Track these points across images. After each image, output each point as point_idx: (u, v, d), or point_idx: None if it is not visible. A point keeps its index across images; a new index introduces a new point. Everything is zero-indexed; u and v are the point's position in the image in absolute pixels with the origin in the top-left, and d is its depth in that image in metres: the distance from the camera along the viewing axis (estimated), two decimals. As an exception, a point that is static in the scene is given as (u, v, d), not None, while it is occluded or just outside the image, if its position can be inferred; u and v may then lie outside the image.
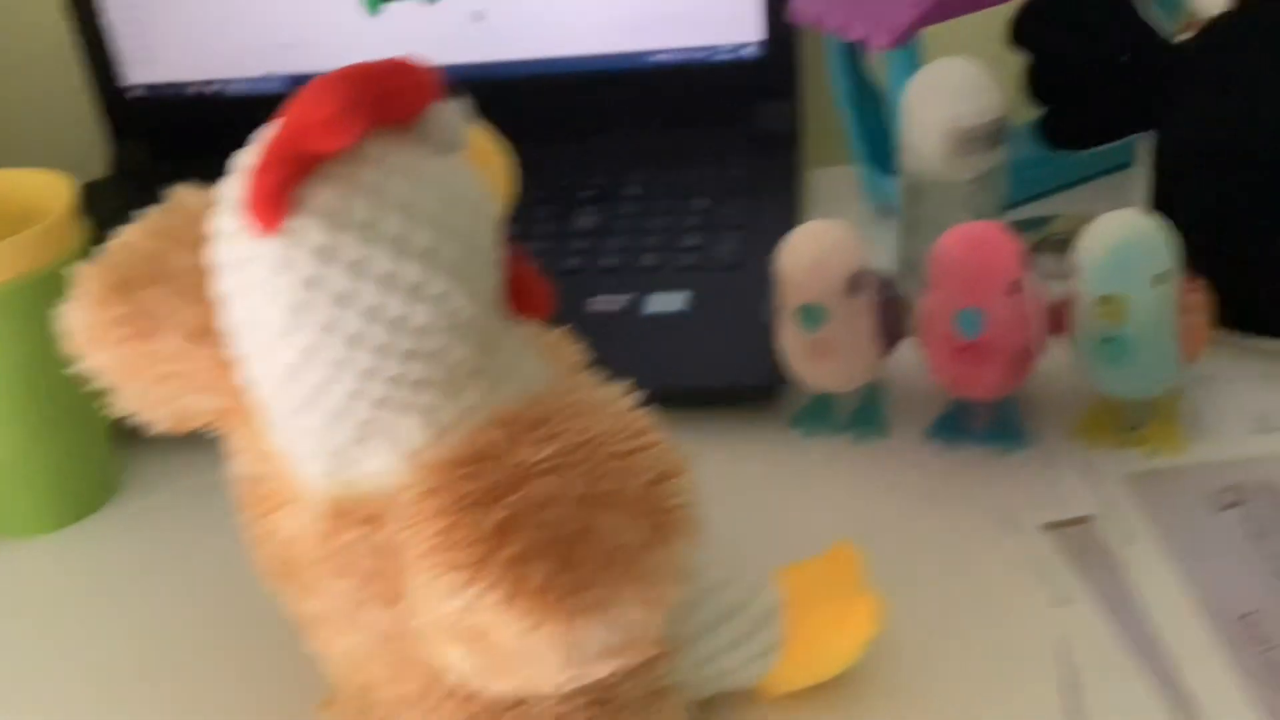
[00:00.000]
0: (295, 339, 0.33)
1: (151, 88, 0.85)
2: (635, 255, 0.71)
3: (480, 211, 0.36)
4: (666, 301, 0.67)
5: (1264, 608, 0.47)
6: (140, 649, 0.52)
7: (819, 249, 0.53)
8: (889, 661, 0.47)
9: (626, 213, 0.75)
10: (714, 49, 0.82)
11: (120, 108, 0.86)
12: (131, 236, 0.39)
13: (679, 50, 0.82)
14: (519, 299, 0.39)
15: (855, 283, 0.53)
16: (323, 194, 0.33)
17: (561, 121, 0.83)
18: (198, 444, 0.43)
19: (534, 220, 0.75)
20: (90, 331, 0.39)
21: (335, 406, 0.35)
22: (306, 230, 0.33)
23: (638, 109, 0.82)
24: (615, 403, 0.37)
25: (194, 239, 0.37)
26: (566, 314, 0.67)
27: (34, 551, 0.58)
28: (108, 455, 0.60)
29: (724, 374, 0.61)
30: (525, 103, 0.83)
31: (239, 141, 0.36)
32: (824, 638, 0.45)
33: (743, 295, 0.64)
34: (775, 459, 0.59)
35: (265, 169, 0.32)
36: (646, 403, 0.60)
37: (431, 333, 0.34)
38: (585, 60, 0.82)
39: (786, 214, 0.74)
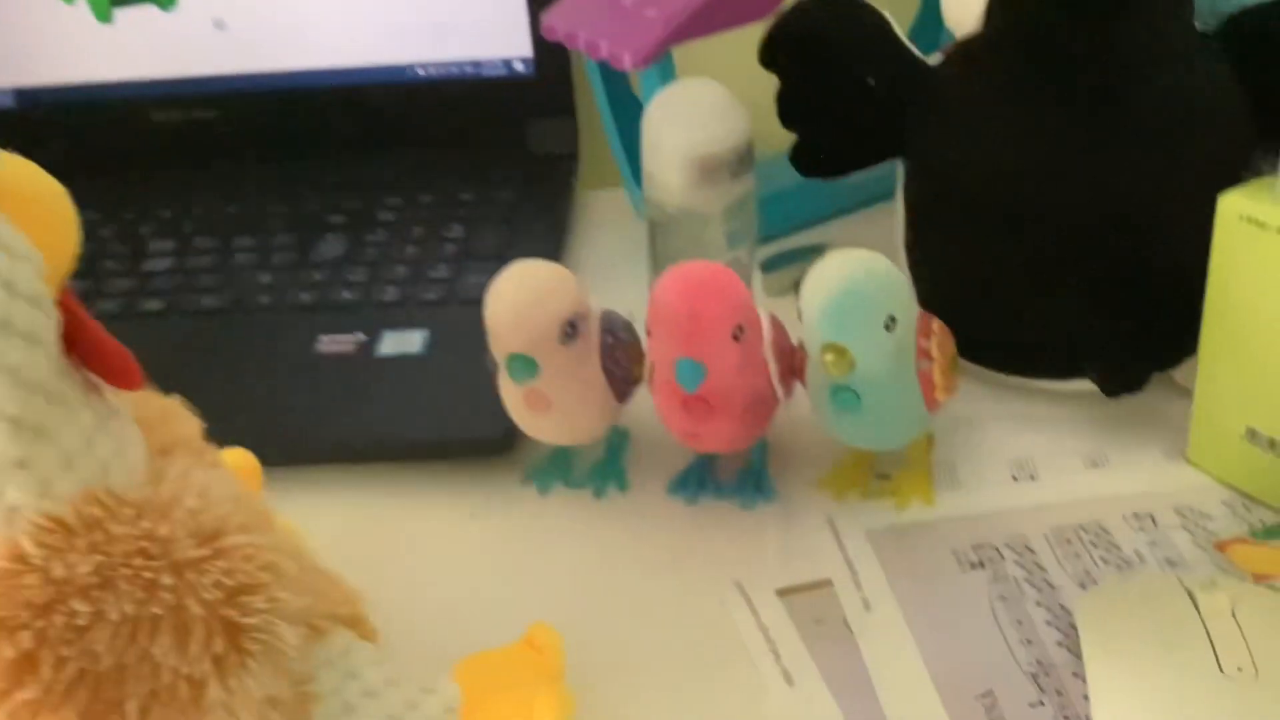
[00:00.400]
0: None
1: None
2: (377, 289, 0.65)
3: (14, 269, 0.30)
4: (402, 342, 0.61)
5: (1001, 687, 0.44)
6: None
7: (526, 293, 0.47)
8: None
9: (376, 241, 0.69)
10: (483, 63, 0.76)
11: None
12: None
13: (444, 64, 0.76)
14: (97, 366, 0.33)
15: (571, 329, 0.48)
16: None
17: (314, 139, 0.77)
18: None
19: (273, 249, 0.69)
20: None
21: None
22: None
23: (400, 127, 0.77)
24: (206, 494, 0.32)
25: None
26: (295, 355, 0.62)
27: None
28: None
29: (456, 424, 0.56)
30: (273, 119, 0.77)
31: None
32: (505, 739, 0.40)
33: (484, 335, 0.59)
34: (506, 518, 0.54)
35: None
36: (372, 455, 0.56)
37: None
38: (340, 73, 0.76)
39: (551, 243, 0.69)
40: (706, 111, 0.55)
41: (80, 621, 0.28)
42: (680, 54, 0.63)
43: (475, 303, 0.63)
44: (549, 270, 0.48)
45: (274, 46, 0.76)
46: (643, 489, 0.54)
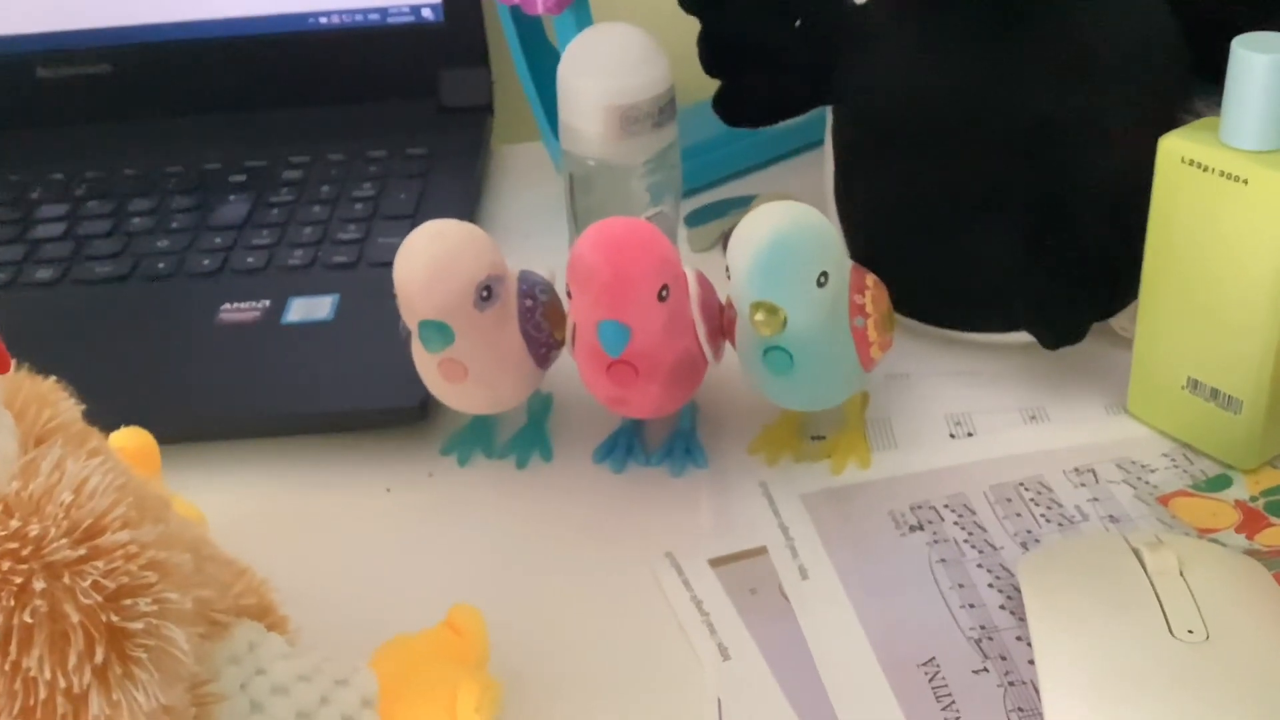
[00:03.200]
0: None
1: None
2: (282, 252, 0.62)
3: None
4: (310, 308, 0.58)
5: (944, 654, 0.42)
6: None
7: (438, 256, 0.44)
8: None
9: (280, 202, 0.66)
10: (387, 10, 0.73)
11: None
12: None
13: (348, 11, 0.72)
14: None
15: (487, 292, 0.45)
16: None
17: (213, 95, 0.73)
18: None
19: (171, 212, 0.66)
20: None
21: None
22: None
23: (303, 80, 0.73)
24: (84, 487, 0.29)
25: None
26: (196, 324, 0.59)
27: None
28: None
29: (369, 394, 0.53)
30: (169, 73, 0.73)
31: None
32: (427, 731, 0.37)
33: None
34: (423, 491, 0.51)
35: None
36: (278, 428, 0.53)
37: None
38: (238, 22, 0.72)
39: (467, 199, 0.66)
40: (625, 57, 0.52)
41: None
42: (596, -1, 0.60)
43: (387, 265, 0.60)
44: (462, 230, 0.46)
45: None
46: (568, 458, 0.52)
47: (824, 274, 0.43)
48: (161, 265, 0.61)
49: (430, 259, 0.44)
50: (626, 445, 0.51)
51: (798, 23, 0.53)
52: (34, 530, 0.27)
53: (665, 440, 0.51)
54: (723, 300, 0.49)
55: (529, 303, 0.48)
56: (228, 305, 0.58)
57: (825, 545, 0.46)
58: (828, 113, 0.55)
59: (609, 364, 0.46)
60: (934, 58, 0.50)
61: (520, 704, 0.41)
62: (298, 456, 0.52)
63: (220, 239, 0.63)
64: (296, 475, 0.52)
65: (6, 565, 0.26)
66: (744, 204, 0.65)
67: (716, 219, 0.64)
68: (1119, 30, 0.49)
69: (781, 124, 0.60)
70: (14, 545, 0.26)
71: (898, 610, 0.44)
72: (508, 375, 0.48)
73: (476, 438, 0.52)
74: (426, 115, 0.73)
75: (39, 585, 0.26)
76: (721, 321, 0.48)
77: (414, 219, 0.63)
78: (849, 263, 0.47)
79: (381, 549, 0.48)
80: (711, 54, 0.53)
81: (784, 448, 0.50)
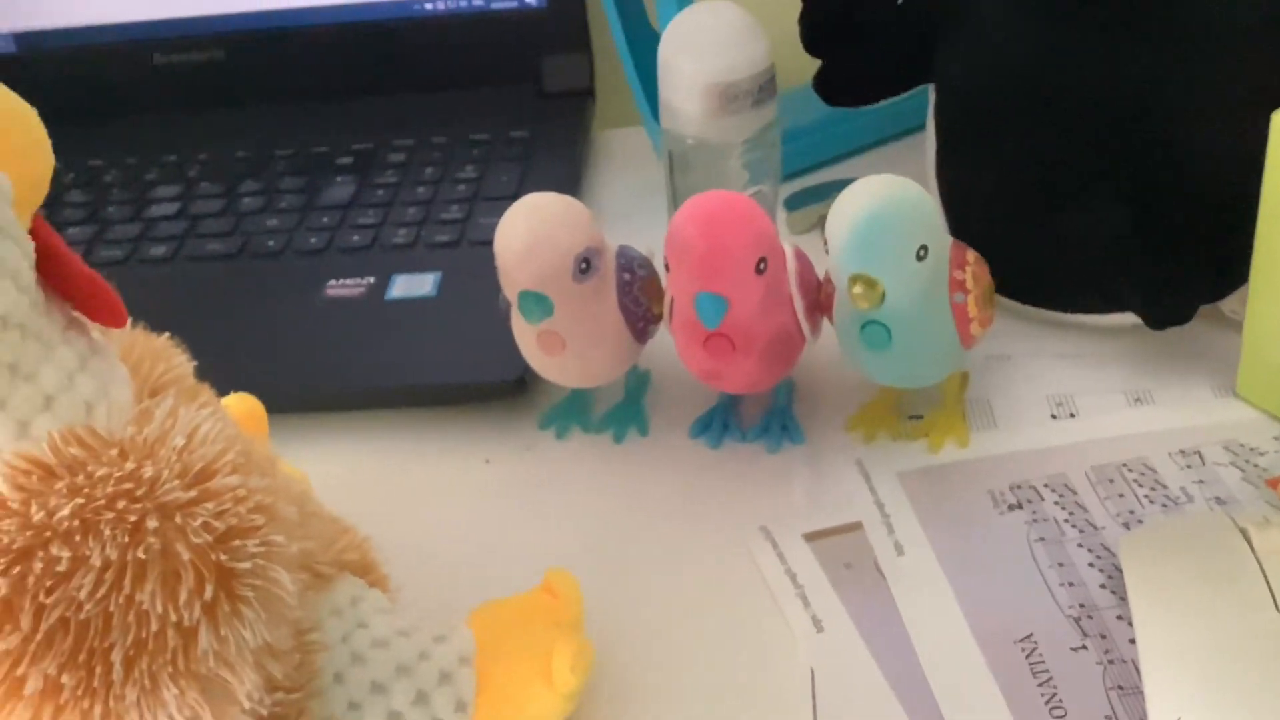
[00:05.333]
0: None
1: None
2: (387, 232, 0.63)
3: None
4: (413, 285, 0.59)
5: (1041, 632, 0.41)
6: None
7: (539, 228, 0.45)
8: (621, 700, 0.41)
9: (385, 183, 0.67)
10: (493, -3, 0.74)
11: None
12: None
13: (453, -1, 0.74)
14: (79, 302, 0.31)
15: (585, 264, 0.46)
16: None
17: (322, 79, 0.75)
18: None
19: (280, 193, 0.67)
20: None
21: None
22: None
23: (408, 65, 0.74)
24: (195, 434, 0.30)
25: None
26: (303, 300, 0.60)
27: None
28: None
29: (469, 369, 0.54)
30: (278, 59, 0.75)
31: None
32: (521, 691, 0.38)
33: (497, 276, 0.57)
34: (520, 464, 0.52)
35: None
36: (382, 401, 0.54)
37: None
38: (347, 9, 0.74)
39: (568, 182, 0.67)
40: (726, 36, 0.52)
41: (61, 567, 0.26)
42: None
43: (488, 244, 0.61)
44: (561, 202, 0.46)
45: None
46: (664, 433, 0.52)
47: (923, 247, 0.43)
48: (270, 243, 0.63)
49: (529, 230, 0.45)
50: (723, 421, 0.51)
51: (899, 1, 0.52)
52: (148, 472, 0.28)
53: (761, 417, 0.51)
54: (820, 277, 0.49)
55: (627, 276, 0.48)
56: (333, 282, 0.60)
57: (921, 522, 0.46)
58: (929, 94, 0.55)
59: (706, 337, 0.46)
60: (1037, 33, 0.49)
61: (612, 670, 0.42)
62: (400, 428, 0.53)
63: (327, 218, 0.64)
64: (398, 446, 0.53)
65: (122, 505, 0.27)
66: (842, 188, 0.65)
67: (816, 202, 0.64)
68: (1229, 3, 0.48)
69: (881, 108, 0.60)
70: (129, 486, 0.27)
71: (995, 587, 0.43)
72: (605, 348, 0.49)
73: (574, 412, 0.53)
74: (528, 100, 0.74)
75: (152, 524, 0.27)
76: (819, 298, 0.48)
77: (515, 199, 0.64)
78: (949, 238, 0.46)
79: (479, 518, 0.49)
80: (812, 33, 0.53)
81: (881, 425, 0.50)
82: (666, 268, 0.46)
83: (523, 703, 0.37)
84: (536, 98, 0.74)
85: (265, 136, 0.72)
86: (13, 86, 0.31)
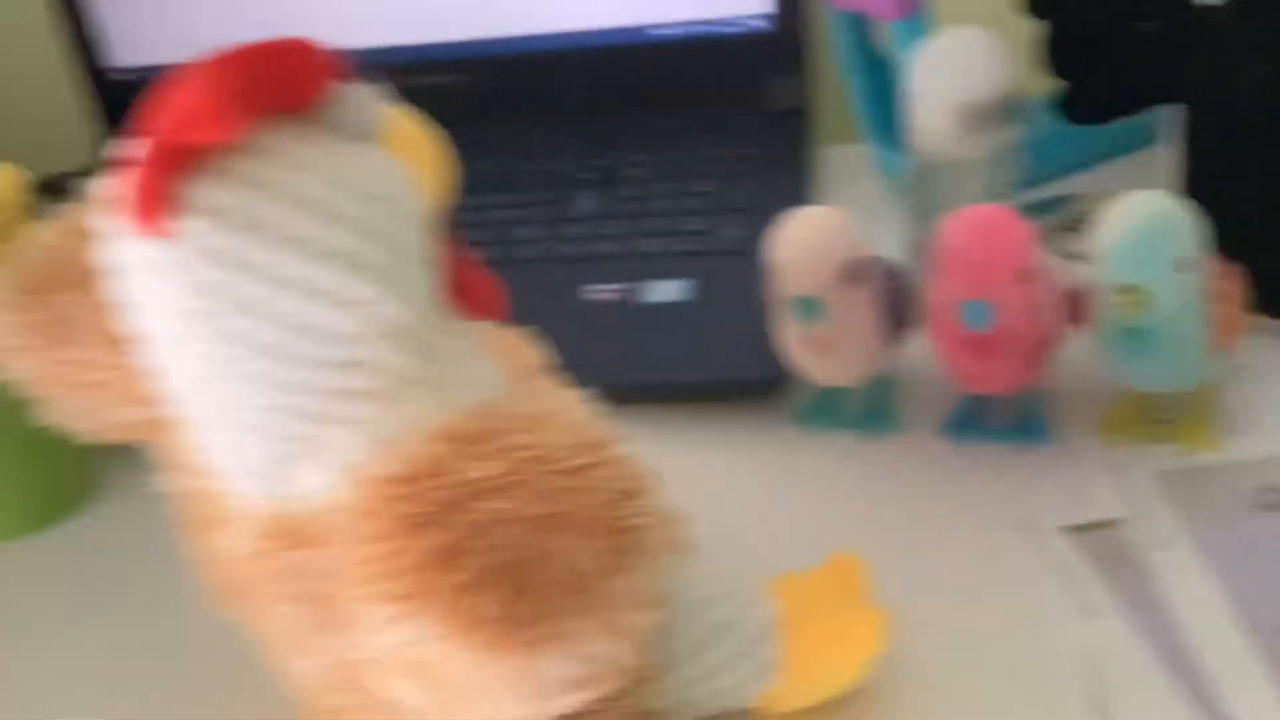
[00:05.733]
0: (194, 348, 0.30)
1: (138, 70, 0.82)
2: (635, 241, 0.68)
3: (401, 205, 0.33)
4: (666, 290, 0.63)
5: (1306, 622, 0.44)
6: (113, 653, 0.50)
7: (813, 237, 0.49)
8: (897, 679, 0.44)
9: (627, 196, 0.72)
10: (719, 22, 0.78)
11: (107, 91, 0.83)
12: (47, 236, 0.36)
13: (681, 24, 0.78)
14: (465, 299, 0.35)
15: (854, 272, 0.50)
16: (211, 191, 0.30)
17: (558, 101, 0.79)
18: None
19: (530, 205, 0.72)
20: (2, 339, 0.36)
21: (254, 421, 0.31)
22: (195, 231, 0.29)
23: (639, 87, 0.79)
24: (572, 412, 0.34)
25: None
26: (560, 303, 0.65)
27: (6, 555, 0.56)
28: (80, 458, 0.58)
29: (725, 367, 0.58)
30: (521, 82, 0.80)
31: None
32: (825, 655, 0.42)
33: (747, 283, 0.61)
34: (778, 457, 0.55)
35: (143, 165, 0.29)
36: (642, 397, 0.58)
37: (360, 340, 0.31)
38: (584, 35, 0.79)
39: (796, 196, 0.71)
40: (975, 59, 0.56)
41: (496, 517, 0.30)
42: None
43: (734, 253, 0.66)
44: (832, 215, 0.50)
45: (519, 13, 0.78)
46: (914, 431, 0.55)
47: (1186, 259, 0.46)
48: (525, 251, 0.68)
49: (806, 240, 0.49)
50: (974, 420, 0.54)
51: (1143, 23, 0.55)
52: (555, 439, 0.32)
53: (1012, 416, 0.54)
54: (1070, 286, 0.51)
55: (886, 284, 0.52)
56: (589, 287, 0.64)
57: (1181, 518, 0.48)
58: (1163, 113, 0.57)
59: (969, 340, 0.49)
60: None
61: (890, 649, 0.45)
62: (658, 423, 0.57)
63: (578, 229, 0.69)
64: (655, 440, 0.57)
65: (533, 472, 0.31)
66: (1064, 204, 0.68)
67: (1042, 216, 0.67)
68: None
69: (1107, 126, 0.63)
70: (543, 452, 0.32)
71: (1261, 580, 0.46)
72: (865, 350, 0.52)
73: (828, 410, 0.56)
74: (753, 119, 0.77)
75: (564, 485, 0.31)
76: (1073, 305, 0.51)
77: (755, 212, 0.68)
78: (1206, 251, 0.49)
79: (736, 509, 0.52)
80: (1057, 55, 0.56)
81: (1130, 428, 0.53)
82: (932, 275, 0.50)
83: (826, 665, 0.41)
84: (760, 116, 0.78)
85: (508, 155, 0.77)
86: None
